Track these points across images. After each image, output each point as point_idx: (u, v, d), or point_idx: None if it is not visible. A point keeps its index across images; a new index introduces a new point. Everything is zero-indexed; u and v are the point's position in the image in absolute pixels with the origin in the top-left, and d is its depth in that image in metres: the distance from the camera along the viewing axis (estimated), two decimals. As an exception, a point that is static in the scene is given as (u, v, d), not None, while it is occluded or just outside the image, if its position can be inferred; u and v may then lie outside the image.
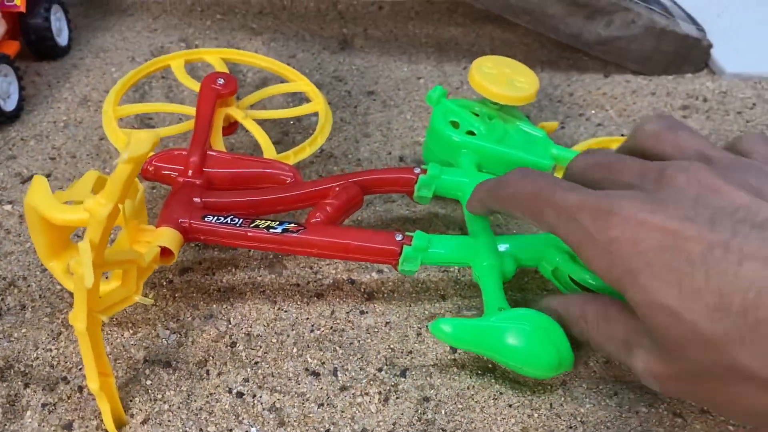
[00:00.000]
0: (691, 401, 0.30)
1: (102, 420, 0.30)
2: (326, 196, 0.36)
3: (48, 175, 0.46)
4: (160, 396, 0.32)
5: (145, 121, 0.51)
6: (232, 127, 0.45)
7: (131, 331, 0.35)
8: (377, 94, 0.54)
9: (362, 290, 0.37)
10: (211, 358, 0.34)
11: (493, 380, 0.32)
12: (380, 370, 0.33)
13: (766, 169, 0.24)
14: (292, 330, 0.35)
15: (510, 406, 0.31)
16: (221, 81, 0.42)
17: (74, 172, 0.46)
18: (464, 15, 0.64)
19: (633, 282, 0.22)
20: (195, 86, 0.45)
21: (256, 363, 0.33)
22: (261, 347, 0.34)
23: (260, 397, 0.32)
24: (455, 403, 0.31)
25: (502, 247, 0.34)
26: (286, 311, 0.36)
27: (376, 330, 0.35)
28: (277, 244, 0.34)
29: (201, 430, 0.30)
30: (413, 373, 0.33)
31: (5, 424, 0.30)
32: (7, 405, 0.31)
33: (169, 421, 0.30)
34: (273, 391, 0.32)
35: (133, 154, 0.25)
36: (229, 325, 0.35)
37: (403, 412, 0.31)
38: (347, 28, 0.62)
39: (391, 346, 0.34)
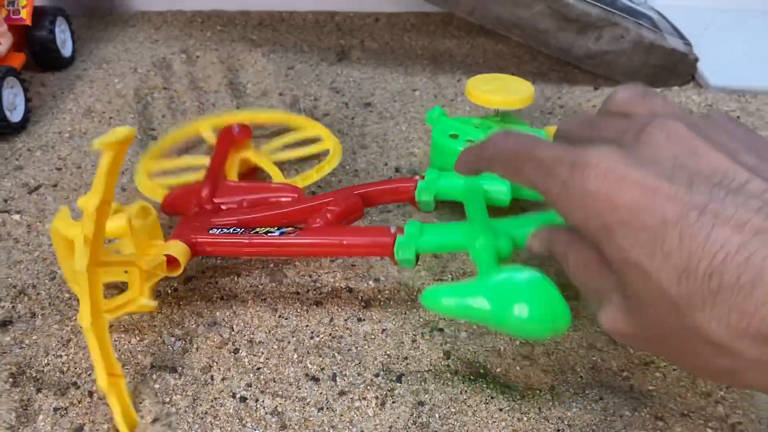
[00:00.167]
0: (650, 352, 0.31)
1: (112, 425, 0.31)
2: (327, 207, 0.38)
3: (54, 185, 0.47)
4: (167, 399, 0.33)
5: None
6: (252, 172, 0.47)
7: (138, 338, 0.36)
8: (374, 106, 0.55)
9: (359, 298, 0.39)
10: (215, 363, 0.35)
11: (484, 385, 0.34)
12: (377, 375, 0.34)
13: (738, 132, 0.24)
14: (293, 337, 0.36)
15: (500, 410, 0.32)
16: (236, 129, 0.45)
17: (80, 182, 0.47)
18: (458, 27, 0.66)
19: (608, 238, 0.22)
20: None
21: (258, 369, 0.35)
22: (263, 353, 0.36)
23: (263, 401, 0.33)
24: (448, 407, 0.33)
25: (498, 228, 0.34)
26: (286, 319, 0.37)
27: (373, 337, 0.36)
28: (276, 248, 0.36)
29: (206, 433, 0.32)
30: (408, 378, 0.34)
31: (19, 428, 0.32)
32: (21, 409, 0.33)
33: (177, 423, 0.32)
34: (275, 396, 0.33)
35: (106, 140, 0.27)
36: (232, 332, 0.37)
37: (399, 415, 0.32)
38: (344, 40, 0.64)
39: (388, 353, 0.35)
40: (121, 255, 0.32)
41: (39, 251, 0.42)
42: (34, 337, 0.36)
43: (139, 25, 0.65)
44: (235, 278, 0.40)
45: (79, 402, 0.33)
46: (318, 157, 0.48)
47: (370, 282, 0.40)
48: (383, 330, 0.37)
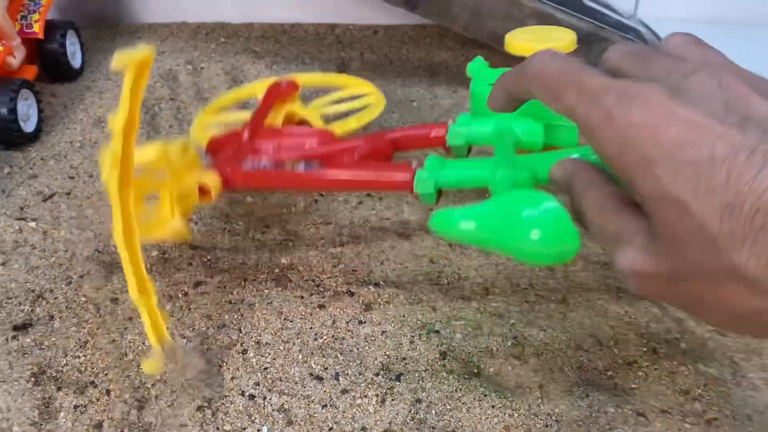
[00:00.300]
0: (667, 302, 0.29)
1: (134, 420, 0.33)
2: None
3: (68, 194, 0.49)
4: (184, 396, 0.35)
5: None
6: (298, 125, 0.49)
7: (151, 340, 0.39)
8: (373, 117, 0.57)
9: (360, 302, 0.41)
10: (224, 363, 0.37)
11: (478, 384, 0.36)
12: (377, 374, 0.36)
13: None
14: (298, 338, 0.39)
15: (493, 407, 0.35)
16: (284, 84, 0.47)
17: (92, 190, 0.49)
18: (454, 40, 0.68)
19: (647, 171, 0.22)
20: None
21: (266, 368, 0.37)
22: (269, 354, 0.38)
23: (270, 399, 0.35)
24: (444, 404, 0.35)
25: (521, 163, 0.33)
26: (291, 321, 0.40)
27: (373, 338, 0.39)
28: (301, 181, 0.38)
29: (218, 428, 0.34)
30: (407, 377, 0.36)
31: (42, 424, 0.34)
32: (43, 407, 0.35)
33: (188, 417, 0.34)
34: (281, 394, 0.36)
35: (124, 60, 0.29)
36: (240, 334, 0.39)
37: (398, 412, 0.34)
38: (344, 52, 0.66)
39: (387, 353, 0.38)
40: (155, 179, 0.34)
41: (55, 257, 0.44)
42: (53, 339, 0.38)
43: (146, 37, 0.68)
44: (243, 283, 0.42)
45: (98, 400, 0.35)
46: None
47: (371, 286, 0.42)
48: (383, 332, 0.39)
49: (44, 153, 0.53)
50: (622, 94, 0.23)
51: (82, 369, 0.37)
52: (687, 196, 0.21)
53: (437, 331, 0.39)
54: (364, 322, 0.40)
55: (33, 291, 0.41)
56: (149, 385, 0.36)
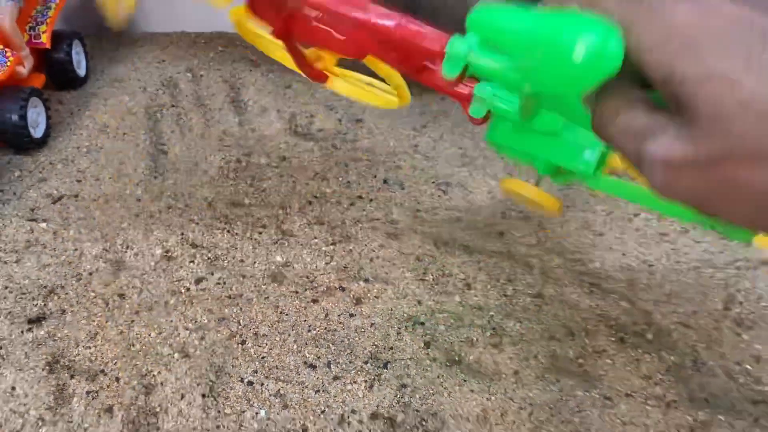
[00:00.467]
0: (694, 197, 0.25)
1: (142, 404, 0.36)
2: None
3: (75, 196, 0.52)
4: (187, 383, 0.38)
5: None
6: None
7: (156, 332, 0.41)
8: (365, 122, 0.60)
9: (351, 296, 0.44)
10: (225, 353, 0.40)
11: (458, 371, 0.39)
12: (366, 362, 0.40)
13: None
14: (293, 330, 0.42)
15: (472, 391, 0.38)
16: None
17: (99, 193, 0.52)
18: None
19: (691, 54, 0.22)
20: None
21: (263, 357, 0.40)
22: (267, 344, 0.41)
23: (267, 385, 0.38)
24: (428, 389, 0.38)
25: None
26: (287, 314, 0.43)
27: (363, 330, 0.42)
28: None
29: (219, 411, 0.37)
30: (393, 365, 0.39)
31: (57, 408, 0.37)
32: (57, 392, 0.38)
33: (191, 401, 0.37)
34: (278, 381, 0.39)
35: None
36: (239, 326, 0.42)
37: (385, 396, 0.38)
38: (337, 60, 0.69)
39: (375, 343, 0.41)
40: None
41: (65, 255, 0.47)
42: (65, 331, 0.41)
43: (147, 46, 0.71)
44: (241, 279, 0.45)
45: (108, 386, 0.38)
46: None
47: (361, 282, 0.45)
48: (372, 324, 0.42)
49: (52, 157, 0.55)
50: None
51: (93, 358, 0.40)
52: (736, 72, 0.21)
53: (422, 323, 0.42)
54: (355, 315, 0.43)
55: (45, 287, 0.44)
56: (155, 373, 0.39)
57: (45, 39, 0.59)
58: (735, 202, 0.23)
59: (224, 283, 0.45)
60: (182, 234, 0.48)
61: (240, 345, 0.41)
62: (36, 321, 0.42)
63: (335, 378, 0.39)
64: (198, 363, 0.39)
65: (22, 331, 0.41)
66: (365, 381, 0.38)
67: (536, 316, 0.42)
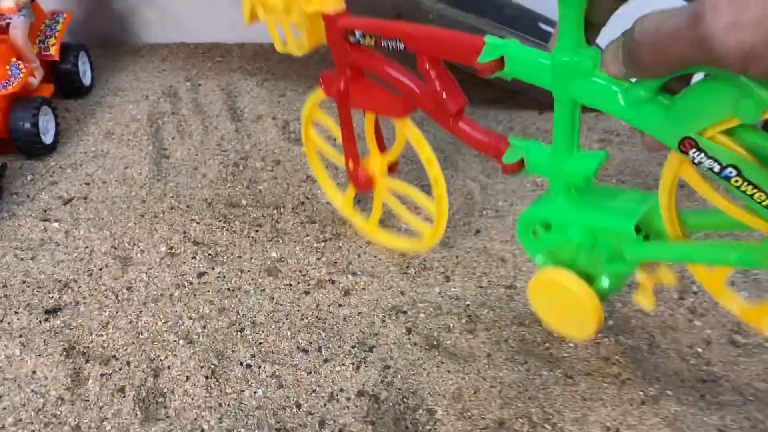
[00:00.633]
0: (751, 52, 0.24)
1: (151, 385, 0.41)
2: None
3: (85, 198, 0.56)
4: (192, 366, 0.42)
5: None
6: None
7: (162, 321, 0.46)
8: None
9: (340, 288, 0.48)
10: (225, 340, 0.44)
11: (437, 353, 0.43)
12: (353, 347, 0.44)
13: None
14: (287, 319, 0.46)
15: (449, 371, 0.42)
16: None
17: (106, 195, 0.56)
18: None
19: None
20: None
21: (260, 343, 0.44)
22: (263, 332, 0.45)
23: (264, 367, 0.42)
24: (409, 370, 0.42)
25: None
26: (281, 305, 0.47)
27: (350, 318, 0.46)
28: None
29: (221, 391, 0.41)
30: (378, 349, 0.44)
31: (74, 389, 0.41)
32: (74, 375, 0.42)
33: (195, 382, 0.41)
34: (273, 364, 0.43)
35: None
36: (238, 316, 0.46)
37: (370, 376, 0.42)
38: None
39: (362, 330, 0.45)
40: None
41: (77, 252, 0.51)
42: (80, 321, 0.45)
43: (148, 56, 0.75)
44: (239, 273, 0.49)
45: (120, 369, 0.42)
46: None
47: (349, 275, 0.49)
48: (359, 313, 0.46)
49: (62, 162, 0.59)
50: None
51: (105, 345, 0.44)
52: None
53: (404, 312, 0.46)
54: (343, 305, 0.47)
55: (60, 281, 0.48)
56: (163, 358, 0.43)
57: (54, 51, 0.63)
58: None
59: (224, 276, 0.49)
60: (184, 232, 0.52)
61: (239, 332, 0.45)
62: (52, 312, 0.46)
63: (325, 361, 0.43)
64: (201, 348, 0.43)
65: (40, 321, 0.45)
66: (352, 363, 0.42)
67: (508, 305, 0.47)
